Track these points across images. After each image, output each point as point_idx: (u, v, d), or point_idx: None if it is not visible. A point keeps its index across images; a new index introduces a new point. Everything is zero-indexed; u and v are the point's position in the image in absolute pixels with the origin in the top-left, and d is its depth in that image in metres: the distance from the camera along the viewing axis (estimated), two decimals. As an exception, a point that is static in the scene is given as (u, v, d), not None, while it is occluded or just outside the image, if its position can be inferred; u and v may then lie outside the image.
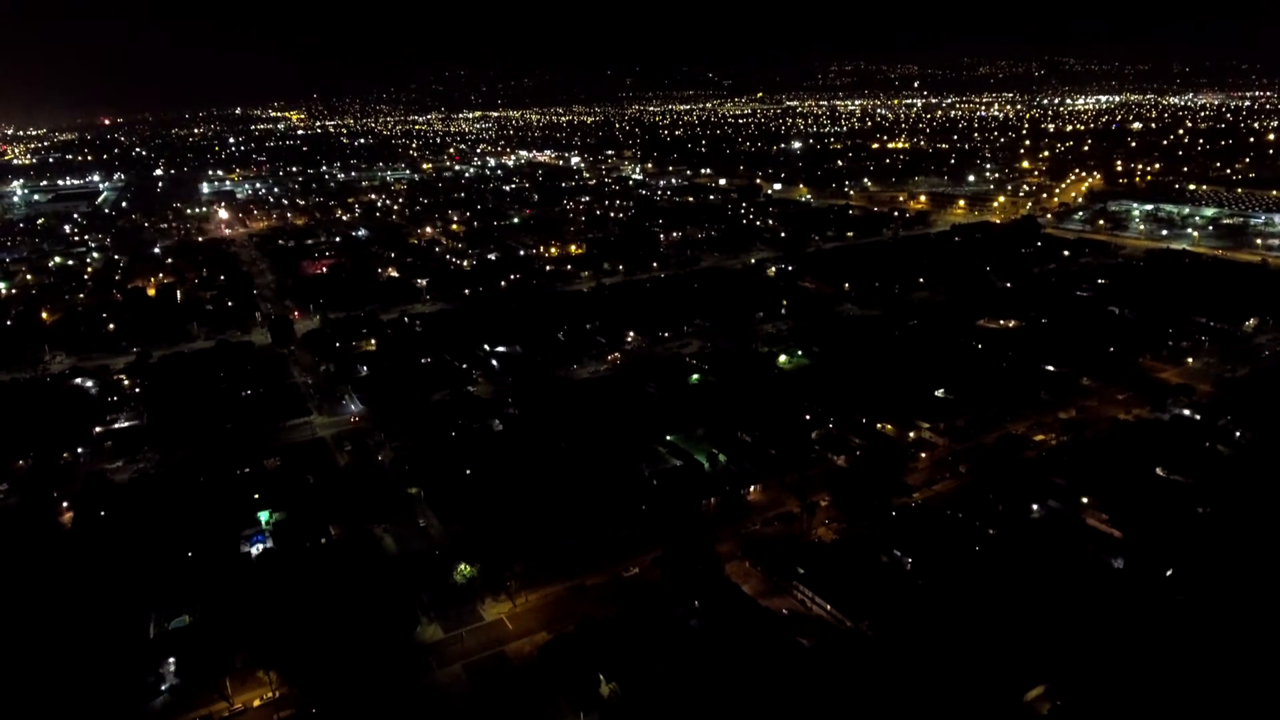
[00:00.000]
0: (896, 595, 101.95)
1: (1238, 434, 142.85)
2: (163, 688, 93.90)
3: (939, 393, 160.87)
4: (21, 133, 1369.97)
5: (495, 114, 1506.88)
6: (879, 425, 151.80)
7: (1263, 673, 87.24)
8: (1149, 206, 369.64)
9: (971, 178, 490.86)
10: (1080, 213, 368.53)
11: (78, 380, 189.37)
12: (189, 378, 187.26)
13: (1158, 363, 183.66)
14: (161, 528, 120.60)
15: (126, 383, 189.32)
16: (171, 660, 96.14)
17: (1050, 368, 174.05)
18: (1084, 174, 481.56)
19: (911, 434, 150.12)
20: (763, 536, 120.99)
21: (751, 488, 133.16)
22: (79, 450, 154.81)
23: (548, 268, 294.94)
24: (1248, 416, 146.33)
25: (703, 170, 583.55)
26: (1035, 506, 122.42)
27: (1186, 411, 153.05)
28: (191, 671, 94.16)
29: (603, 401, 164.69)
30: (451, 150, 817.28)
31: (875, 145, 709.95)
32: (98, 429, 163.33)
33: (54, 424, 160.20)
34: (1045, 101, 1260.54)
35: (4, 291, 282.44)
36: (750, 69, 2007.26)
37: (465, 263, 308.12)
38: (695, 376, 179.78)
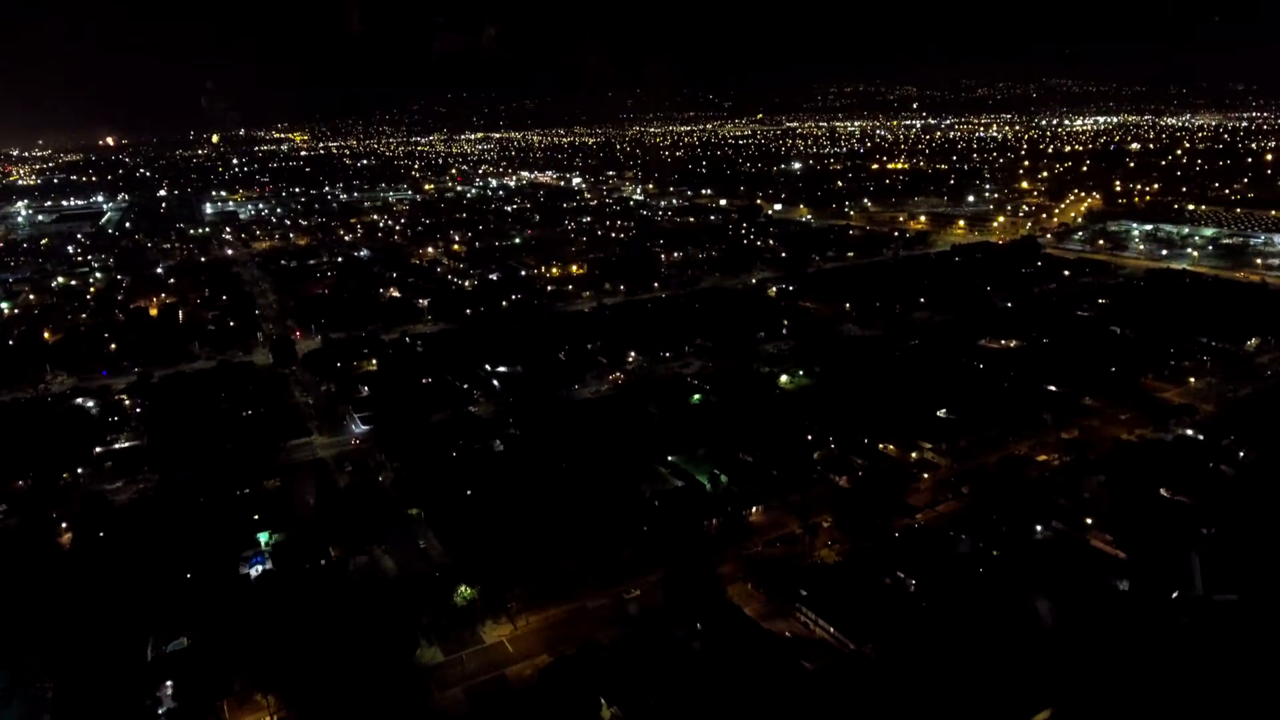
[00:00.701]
0: (900, 617, 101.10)
1: (1241, 454, 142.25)
2: (160, 711, 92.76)
3: (941, 413, 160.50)
4: (26, 154, 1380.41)
5: (497, 135, 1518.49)
6: (881, 445, 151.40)
7: (1269, 695, 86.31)
8: (1148, 226, 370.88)
9: (971, 198, 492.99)
10: (1080, 233, 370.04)
11: (79, 400, 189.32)
12: (190, 398, 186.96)
13: (1160, 382, 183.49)
14: (160, 549, 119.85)
15: (127, 403, 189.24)
16: (169, 683, 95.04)
17: (1052, 388, 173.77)
18: (1083, 194, 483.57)
19: (914, 454, 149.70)
20: (765, 558, 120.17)
21: (753, 509, 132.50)
22: (79, 471, 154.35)
23: (549, 288, 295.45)
24: (1251, 437, 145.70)
25: (703, 191, 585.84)
26: (1039, 527, 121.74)
27: (1190, 432, 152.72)
28: (189, 695, 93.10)
29: (604, 422, 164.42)
30: (453, 171, 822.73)
31: (875, 166, 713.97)
32: (98, 449, 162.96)
33: (54, 444, 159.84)
34: (1044, 122, 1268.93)
35: (6, 311, 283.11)
36: (750, 90, 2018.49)
37: (467, 283, 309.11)
38: (696, 396, 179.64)
